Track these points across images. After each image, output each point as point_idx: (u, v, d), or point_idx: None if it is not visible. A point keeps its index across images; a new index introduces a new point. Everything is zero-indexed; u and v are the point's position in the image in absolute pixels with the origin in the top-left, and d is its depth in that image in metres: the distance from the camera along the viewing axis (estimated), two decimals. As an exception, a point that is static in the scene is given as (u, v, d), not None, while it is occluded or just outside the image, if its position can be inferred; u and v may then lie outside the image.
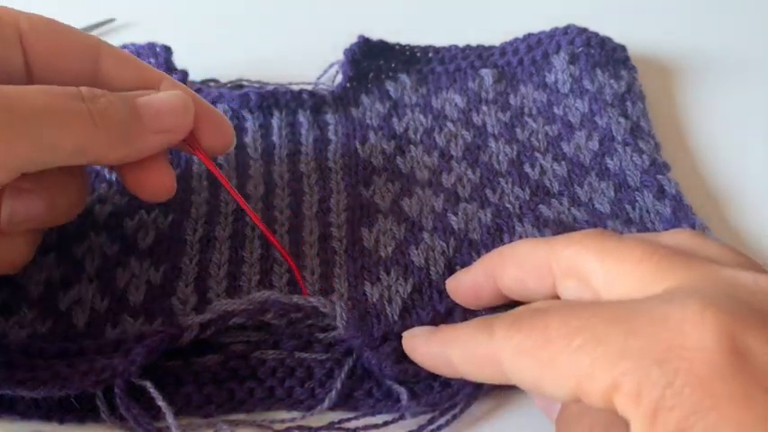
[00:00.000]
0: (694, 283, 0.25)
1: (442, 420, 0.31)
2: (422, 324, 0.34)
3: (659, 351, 0.22)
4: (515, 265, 0.31)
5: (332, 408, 0.32)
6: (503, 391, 0.33)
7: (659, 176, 0.41)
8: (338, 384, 0.32)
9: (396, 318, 0.35)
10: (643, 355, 0.22)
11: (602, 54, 0.47)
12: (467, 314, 0.34)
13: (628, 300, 0.26)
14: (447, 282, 0.35)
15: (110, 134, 0.31)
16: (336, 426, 0.32)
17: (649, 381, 0.22)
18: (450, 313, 0.34)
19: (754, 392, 0.21)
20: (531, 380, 0.26)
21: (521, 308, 0.29)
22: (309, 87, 0.48)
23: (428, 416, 0.32)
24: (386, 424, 0.32)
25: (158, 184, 0.35)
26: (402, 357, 0.32)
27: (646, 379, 0.22)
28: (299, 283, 0.36)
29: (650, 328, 0.23)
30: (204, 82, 0.48)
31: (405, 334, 0.32)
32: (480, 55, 0.49)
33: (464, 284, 0.34)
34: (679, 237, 0.30)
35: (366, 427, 0.32)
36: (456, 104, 0.46)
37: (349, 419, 0.32)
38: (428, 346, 0.31)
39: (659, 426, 0.21)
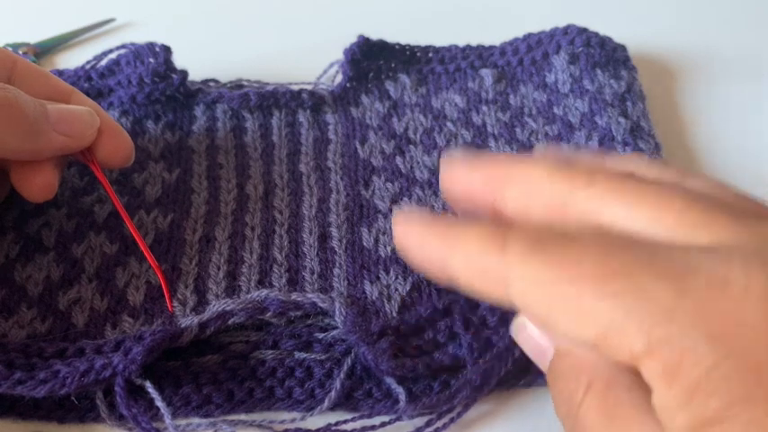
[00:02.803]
0: (749, 244, 0.21)
1: (439, 423, 0.31)
2: (422, 323, 0.34)
3: (713, 322, 0.19)
4: (523, 191, 0.25)
5: (332, 408, 0.32)
6: (501, 394, 0.33)
7: (659, 176, 0.41)
8: (337, 384, 0.32)
9: (394, 314, 0.35)
10: (694, 324, 0.19)
11: (603, 54, 0.47)
12: (467, 313, 0.34)
13: (677, 247, 0.21)
14: (444, 168, 0.28)
15: (16, 124, 0.33)
16: (333, 428, 0.32)
17: (694, 356, 0.19)
18: (449, 312, 0.34)
19: None
20: (541, 314, 0.22)
21: (543, 225, 0.24)
22: (309, 87, 0.48)
23: (426, 418, 0.32)
24: (383, 425, 0.32)
25: (43, 184, 0.35)
26: (398, 353, 0.32)
27: (690, 353, 0.19)
28: (167, 299, 0.35)
29: (707, 292, 0.19)
30: (204, 82, 0.48)
31: (398, 214, 0.26)
32: (480, 55, 0.49)
33: (458, 182, 0.28)
34: (698, 182, 0.24)
35: (363, 428, 0.32)
36: (456, 104, 0.46)
37: (346, 421, 0.32)
38: (424, 239, 0.25)
39: (693, 409, 0.19)
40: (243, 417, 0.32)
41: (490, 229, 0.24)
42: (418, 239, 0.25)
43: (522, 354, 0.32)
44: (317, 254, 0.38)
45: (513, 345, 0.32)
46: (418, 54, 0.49)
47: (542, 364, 0.26)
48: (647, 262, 0.21)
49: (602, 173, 0.24)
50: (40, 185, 0.35)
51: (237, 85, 0.49)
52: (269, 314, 0.34)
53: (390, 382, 0.32)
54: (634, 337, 0.20)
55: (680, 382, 0.19)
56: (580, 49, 0.47)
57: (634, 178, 0.24)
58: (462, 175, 0.28)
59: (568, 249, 0.22)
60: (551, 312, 0.22)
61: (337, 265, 0.37)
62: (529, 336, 0.26)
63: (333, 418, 0.32)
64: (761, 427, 0.18)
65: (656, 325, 0.19)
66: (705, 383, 0.19)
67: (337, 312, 0.33)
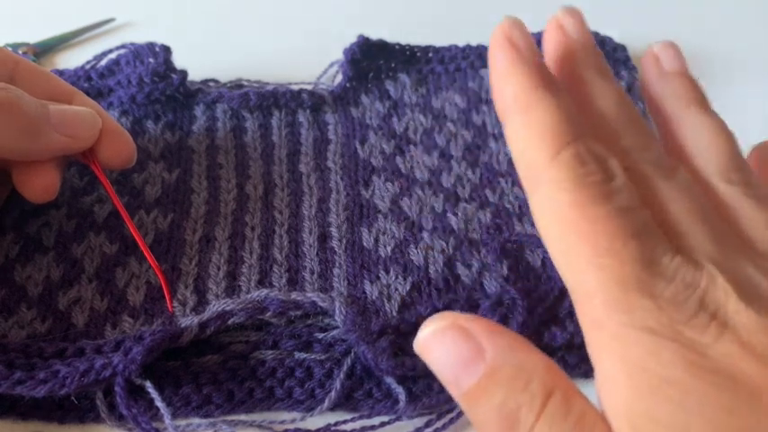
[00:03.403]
0: None
1: (439, 424, 0.31)
2: (422, 322, 0.34)
3: None
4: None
5: (332, 408, 0.32)
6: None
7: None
8: (337, 385, 0.32)
9: (394, 313, 0.35)
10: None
11: (602, 54, 0.47)
12: (466, 310, 0.34)
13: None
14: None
15: (18, 124, 0.33)
16: (333, 428, 0.32)
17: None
18: (448, 310, 0.34)
19: None
20: (547, 238, 0.24)
21: (598, 154, 0.24)
22: (309, 87, 0.48)
23: (425, 418, 0.32)
24: (383, 425, 0.32)
25: (45, 185, 0.35)
26: (398, 351, 0.32)
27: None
28: (167, 299, 0.35)
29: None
30: (204, 82, 0.48)
31: (509, 19, 0.26)
32: (480, 55, 0.49)
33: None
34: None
35: (363, 428, 0.32)
36: (456, 104, 0.46)
37: (345, 422, 0.32)
38: (511, 70, 0.25)
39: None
40: (243, 417, 0.32)
41: (562, 125, 0.24)
42: (506, 69, 0.25)
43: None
44: (317, 254, 0.38)
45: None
46: (418, 54, 0.49)
47: (463, 378, 0.23)
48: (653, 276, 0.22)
49: (652, 152, 0.25)
50: (41, 186, 0.35)
51: (237, 85, 0.49)
52: (269, 314, 0.34)
53: (390, 381, 0.32)
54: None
55: None
56: (580, 48, 0.47)
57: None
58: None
59: (599, 208, 0.22)
60: (553, 247, 0.23)
61: (337, 265, 0.37)
62: (455, 339, 0.23)
63: (333, 418, 0.32)
64: None
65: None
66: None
67: (337, 311, 0.33)
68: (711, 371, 0.20)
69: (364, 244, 0.38)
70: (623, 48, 0.49)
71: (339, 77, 0.48)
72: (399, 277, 0.37)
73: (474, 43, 0.50)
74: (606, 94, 0.27)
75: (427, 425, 0.31)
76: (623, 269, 0.22)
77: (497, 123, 0.45)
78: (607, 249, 0.22)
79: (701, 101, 0.29)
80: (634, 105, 0.27)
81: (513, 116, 0.25)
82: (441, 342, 0.23)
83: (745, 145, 0.46)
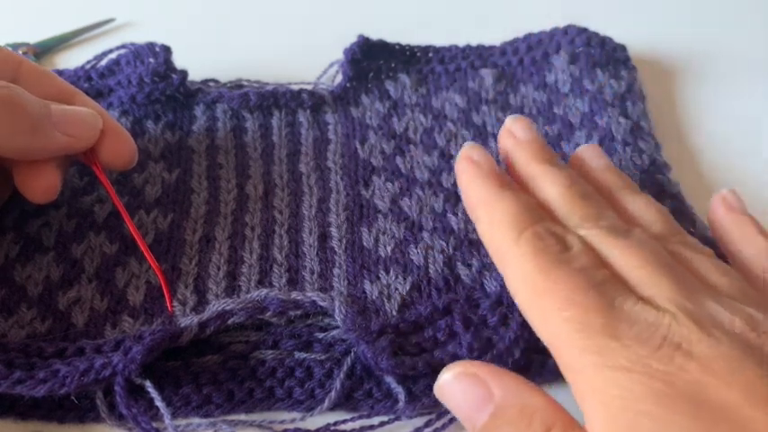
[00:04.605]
0: None
1: (438, 424, 0.31)
2: (422, 321, 0.34)
3: None
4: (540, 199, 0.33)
5: (332, 408, 0.32)
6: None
7: (659, 176, 0.41)
8: (337, 385, 0.32)
9: (394, 313, 0.35)
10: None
11: (603, 54, 0.47)
12: (467, 312, 0.34)
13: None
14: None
15: (19, 123, 0.33)
16: (332, 428, 0.32)
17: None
18: (449, 311, 0.34)
19: None
20: (521, 304, 0.28)
21: (551, 231, 0.29)
22: (309, 87, 0.48)
23: (425, 418, 0.31)
24: (382, 425, 0.32)
25: (46, 186, 0.35)
26: (398, 351, 0.32)
27: None
28: (167, 299, 0.35)
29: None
30: (204, 82, 0.48)
31: (470, 147, 0.34)
32: (480, 55, 0.49)
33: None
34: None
35: (362, 428, 0.32)
36: (456, 104, 0.46)
37: (345, 421, 0.32)
38: (474, 182, 0.33)
39: None
40: (243, 417, 0.32)
41: (520, 214, 0.29)
42: (470, 180, 0.33)
43: (522, 355, 0.32)
44: (317, 254, 0.38)
45: (513, 346, 0.32)
46: (418, 54, 0.49)
47: (476, 416, 0.26)
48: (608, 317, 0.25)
49: (605, 220, 0.30)
50: (42, 186, 0.35)
51: (237, 85, 0.49)
52: (269, 314, 0.34)
53: (390, 381, 0.32)
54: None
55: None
56: (580, 49, 0.47)
57: (636, 240, 0.29)
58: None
59: (559, 270, 0.27)
60: (526, 310, 0.27)
61: (337, 264, 0.37)
62: (468, 384, 0.27)
63: (333, 418, 0.32)
64: None
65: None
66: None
67: (337, 311, 0.33)
68: (681, 399, 0.22)
69: (364, 244, 0.38)
70: (623, 48, 0.49)
71: (339, 77, 0.48)
72: (399, 277, 0.37)
73: (474, 43, 0.50)
74: (557, 180, 0.32)
75: (427, 425, 0.31)
76: (587, 317, 0.25)
77: (497, 123, 0.45)
78: (570, 302, 0.25)
79: (632, 185, 0.35)
80: (584, 182, 0.33)
81: (481, 213, 0.31)
82: (456, 387, 0.27)
83: (746, 144, 0.46)
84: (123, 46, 0.48)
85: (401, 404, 0.32)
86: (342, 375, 0.33)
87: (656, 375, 0.23)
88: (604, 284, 0.26)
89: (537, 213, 0.30)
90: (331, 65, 0.50)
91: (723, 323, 0.25)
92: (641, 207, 0.32)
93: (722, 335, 0.24)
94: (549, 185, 0.32)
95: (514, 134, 0.35)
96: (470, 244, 0.38)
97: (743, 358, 0.23)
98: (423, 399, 0.32)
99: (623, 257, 0.28)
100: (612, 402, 0.23)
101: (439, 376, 0.28)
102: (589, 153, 0.36)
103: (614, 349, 0.24)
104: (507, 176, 0.33)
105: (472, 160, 0.33)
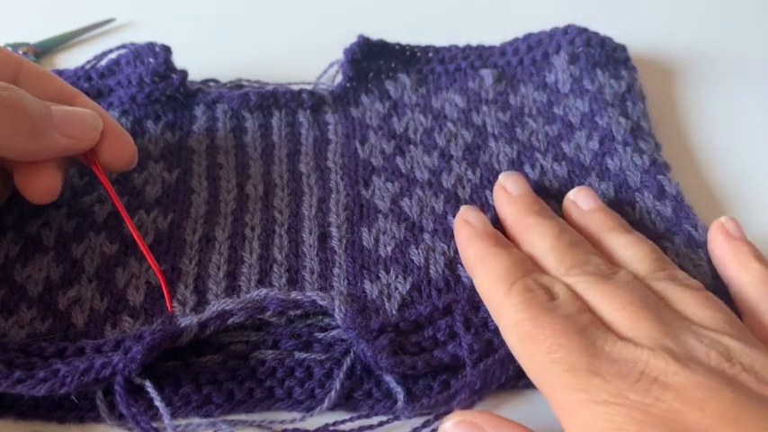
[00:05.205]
0: None
1: (436, 424, 0.31)
2: (422, 321, 0.34)
3: None
4: (528, 253, 0.35)
5: (332, 408, 0.32)
6: (501, 395, 0.33)
7: (659, 177, 0.41)
8: (337, 385, 0.32)
9: (394, 312, 0.35)
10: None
11: (603, 54, 0.47)
12: (468, 313, 0.34)
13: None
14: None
15: (20, 124, 0.33)
16: (331, 428, 0.32)
17: None
18: (449, 311, 0.34)
19: None
20: (515, 352, 0.30)
21: (539, 284, 0.32)
22: (309, 87, 0.48)
23: (423, 418, 0.31)
24: (381, 424, 0.32)
25: (47, 186, 0.36)
26: (398, 350, 0.32)
27: None
28: (167, 299, 0.35)
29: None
30: (204, 82, 0.48)
31: (468, 210, 0.37)
32: (480, 55, 0.49)
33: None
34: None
35: (361, 428, 0.32)
36: (456, 104, 0.46)
37: (344, 421, 0.32)
38: (471, 240, 0.35)
39: None
40: (243, 417, 0.32)
41: (511, 268, 0.32)
42: (466, 240, 0.36)
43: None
44: (317, 254, 0.38)
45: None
46: (418, 54, 0.49)
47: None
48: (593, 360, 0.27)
49: (591, 265, 0.32)
50: (43, 187, 0.35)
51: (237, 85, 0.49)
52: (269, 313, 0.34)
53: (390, 381, 0.32)
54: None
55: None
56: (580, 49, 0.47)
57: (620, 283, 0.31)
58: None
59: (546, 317, 0.29)
60: (518, 355, 0.30)
61: (337, 264, 0.37)
62: None
63: (332, 418, 0.32)
64: None
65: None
66: None
67: (337, 310, 0.33)
68: (659, 426, 0.24)
69: (364, 244, 0.38)
70: (623, 48, 0.49)
71: (339, 77, 0.48)
72: (399, 277, 0.37)
73: (474, 43, 0.50)
74: (547, 232, 0.35)
75: (425, 425, 0.31)
76: (572, 358, 0.27)
77: (497, 123, 0.45)
78: (557, 346, 0.28)
79: (622, 224, 0.37)
80: (572, 230, 0.35)
81: (477, 269, 0.34)
82: None
83: (747, 146, 0.46)
84: (123, 46, 0.48)
85: (400, 404, 0.32)
86: (341, 375, 0.33)
87: (635, 406, 0.25)
88: (588, 328, 0.28)
89: (527, 266, 0.33)
90: (331, 65, 0.50)
91: (699, 356, 0.27)
92: (630, 246, 0.34)
93: (697, 366, 0.26)
94: (539, 238, 0.35)
95: (507, 189, 0.38)
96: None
97: (717, 387, 0.25)
98: (422, 399, 0.32)
99: (605, 301, 0.30)
100: None
101: (441, 423, 0.30)
102: (582, 195, 0.38)
103: (597, 385, 0.26)
104: (500, 235, 0.36)
105: (468, 222, 0.36)
